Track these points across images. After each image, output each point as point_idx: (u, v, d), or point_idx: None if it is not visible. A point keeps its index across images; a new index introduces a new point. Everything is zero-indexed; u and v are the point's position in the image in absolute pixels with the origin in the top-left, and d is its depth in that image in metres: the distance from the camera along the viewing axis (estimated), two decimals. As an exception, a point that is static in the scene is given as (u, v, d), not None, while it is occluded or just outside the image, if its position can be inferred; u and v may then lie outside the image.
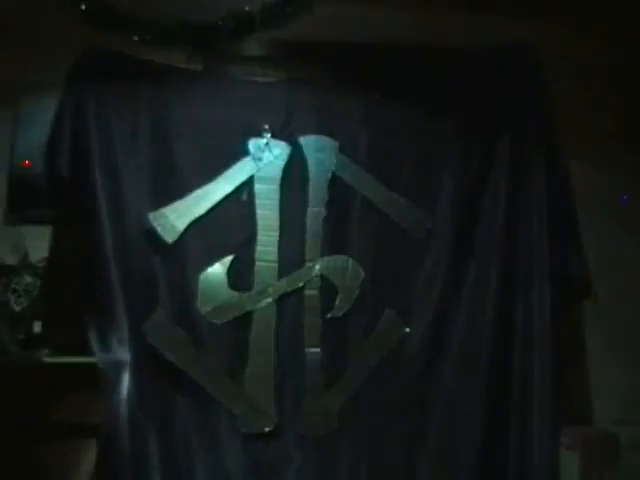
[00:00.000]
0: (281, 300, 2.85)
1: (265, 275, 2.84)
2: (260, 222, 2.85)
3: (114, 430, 2.64)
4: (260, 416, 2.77)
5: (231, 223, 2.87)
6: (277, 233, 2.86)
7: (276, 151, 2.90)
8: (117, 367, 2.68)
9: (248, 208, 2.86)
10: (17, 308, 2.83)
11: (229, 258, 2.82)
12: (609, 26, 3.00)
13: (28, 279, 2.87)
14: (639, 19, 2.92)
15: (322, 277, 2.87)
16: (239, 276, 2.83)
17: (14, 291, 2.85)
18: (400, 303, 2.88)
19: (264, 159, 2.88)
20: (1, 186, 3.01)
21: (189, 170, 2.85)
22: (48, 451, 2.66)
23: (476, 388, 2.81)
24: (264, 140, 2.89)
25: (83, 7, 2.82)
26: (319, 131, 2.94)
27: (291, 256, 2.86)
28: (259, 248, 2.84)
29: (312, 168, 2.91)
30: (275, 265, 2.84)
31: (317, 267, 2.87)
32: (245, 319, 2.82)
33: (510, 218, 2.90)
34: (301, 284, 2.85)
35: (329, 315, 2.84)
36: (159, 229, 2.79)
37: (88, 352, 2.67)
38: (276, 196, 2.88)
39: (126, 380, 2.68)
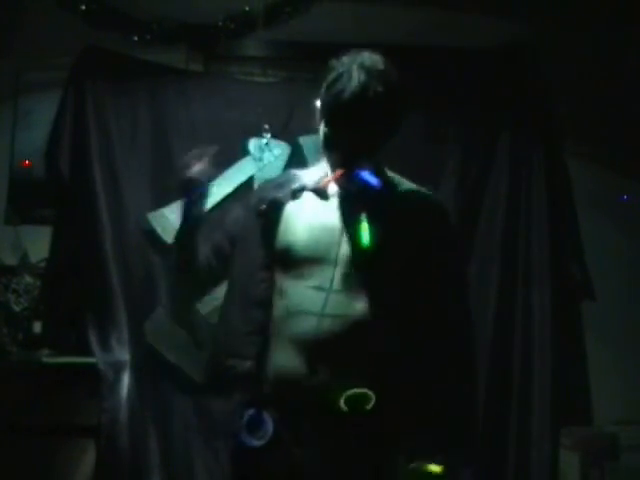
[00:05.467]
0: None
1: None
2: (260, 222, 2.85)
3: (114, 430, 2.64)
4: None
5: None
6: (277, 233, 2.85)
7: (276, 151, 2.90)
8: (117, 367, 2.69)
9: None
10: (17, 308, 2.84)
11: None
12: (608, 26, 3.00)
13: (28, 279, 2.87)
14: (638, 19, 2.93)
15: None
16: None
17: (14, 291, 2.85)
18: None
19: (264, 159, 2.88)
20: (1, 186, 3.02)
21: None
22: (48, 451, 2.65)
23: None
24: (264, 140, 2.88)
25: (83, 7, 2.82)
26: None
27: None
28: (259, 248, 2.84)
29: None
30: (275, 265, 2.84)
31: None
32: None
33: (510, 218, 2.90)
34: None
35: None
36: (159, 229, 2.79)
37: (88, 352, 2.67)
38: (276, 196, 2.88)
39: (126, 380, 2.69)
